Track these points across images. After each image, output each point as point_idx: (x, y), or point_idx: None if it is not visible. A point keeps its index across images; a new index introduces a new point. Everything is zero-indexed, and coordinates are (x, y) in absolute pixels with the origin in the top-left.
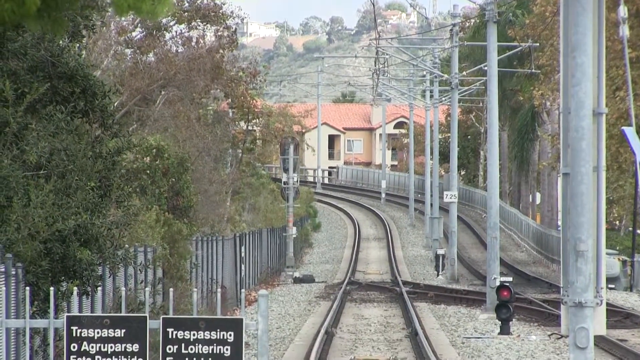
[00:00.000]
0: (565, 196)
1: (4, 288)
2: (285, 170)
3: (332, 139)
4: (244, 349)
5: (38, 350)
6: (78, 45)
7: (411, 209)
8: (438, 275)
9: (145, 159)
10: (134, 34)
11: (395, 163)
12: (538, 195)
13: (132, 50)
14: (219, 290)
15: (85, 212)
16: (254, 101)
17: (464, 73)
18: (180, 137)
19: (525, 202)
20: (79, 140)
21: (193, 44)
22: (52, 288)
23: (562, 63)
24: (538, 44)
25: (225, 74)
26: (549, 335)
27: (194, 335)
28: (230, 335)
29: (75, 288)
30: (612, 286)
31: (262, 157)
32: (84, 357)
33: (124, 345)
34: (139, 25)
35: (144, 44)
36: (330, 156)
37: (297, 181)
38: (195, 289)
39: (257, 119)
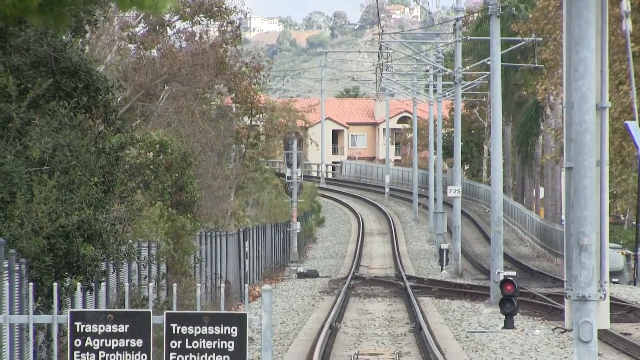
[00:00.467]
0: (569, 190)
1: (8, 284)
2: (289, 165)
3: (335, 134)
4: (247, 344)
5: (42, 346)
6: (81, 40)
7: (415, 204)
8: (442, 269)
9: (148, 154)
10: (137, 29)
11: (399, 158)
12: (542, 189)
13: (136, 45)
14: (222, 285)
15: (88, 208)
16: (258, 96)
17: (467, 68)
18: (184, 132)
19: (529, 197)
20: (82, 136)
21: (196, 39)
22: (55, 284)
23: (565, 57)
24: (541, 39)
25: (229, 69)
26: (553, 330)
27: (197, 330)
28: (234, 330)
29: (78, 284)
30: (616, 280)
31: (266, 152)
32: (87, 353)
33: (127, 340)
34: (143, 20)
35: (147, 40)
36: (334, 151)
37: (300, 176)
38: (199, 284)
39: (260, 114)
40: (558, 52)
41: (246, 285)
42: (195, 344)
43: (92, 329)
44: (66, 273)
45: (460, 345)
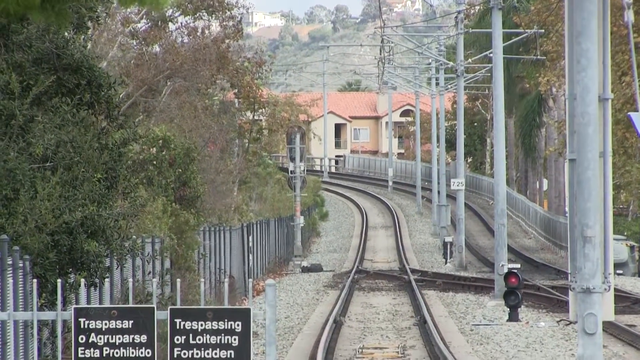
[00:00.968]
0: (572, 182)
1: (12, 281)
2: (292, 159)
3: (338, 128)
4: (252, 338)
5: (46, 343)
6: (83, 36)
7: (418, 197)
8: (446, 262)
9: (151, 149)
10: (139, 25)
11: (402, 151)
12: (545, 181)
13: (138, 41)
14: (226, 280)
15: (92, 204)
16: (260, 91)
17: (470, 60)
18: (187, 127)
19: (533, 189)
20: (85, 132)
21: (198, 34)
22: (59, 280)
23: (567, 49)
24: (543, 30)
25: (231, 64)
26: (558, 322)
27: (201, 325)
28: (238, 325)
29: (82, 280)
30: (620, 272)
31: (269, 146)
32: (91, 349)
33: (131, 336)
34: (144, 16)
35: (149, 35)
36: (337, 145)
37: (304, 170)
38: (203, 280)
39: (263, 108)
40: (560, 44)
41: (250, 280)
42: (199, 339)
43: (96, 325)
44: (70, 269)
45: (464, 338)
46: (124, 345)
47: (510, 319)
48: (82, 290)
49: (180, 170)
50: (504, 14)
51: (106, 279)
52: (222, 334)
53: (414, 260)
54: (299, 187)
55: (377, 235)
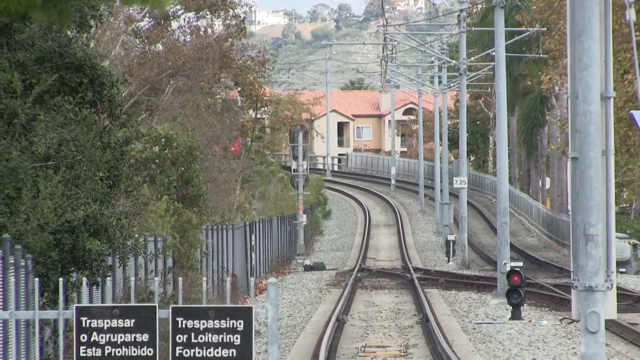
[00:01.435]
0: (574, 180)
1: (14, 279)
2: (295, 157)
3: (341, 126)
4: (254, 337)
5: (48, 341)
6: (86, 35)
7: (421, 195)
8: (449, 261)
9: (154, 148)
10: (142, 23)
11: (405, 149)
12: (548, 179)
13: (141, 40)
14: (228, 279)
15: (94, 203)
16: (263, 89)
17: (472, 59)
18: (189, 125)
19: (535, 187)
20: (87, 131)
21: (201, 32)
22: (61, 279)
23: (569, 47)
24: (545, 29)
25: (234, 63)
26: (560, 320)
27: (203, 324)
28: (240, 323)
29: (85, 278)
30: (623, 270)
31: (272, 145)
32: (93, 348)
33: (133, 335)
34: (147, 15)
35: (152, 34)
36: (340, 143)
37: (306, 169)
38: (205, 278)
39: (266, 107)
40: (562, 42)
41: (252, 278)
42: (201, 338)
43: (98, 324)
44: (72, 268)
45: (467, 337)
46: (125, 344)
47: (512, 318)
48: (84, 289)
49: (183, 168)
50: (507, 12)
51: (108, 278)
52: (224, 333)
53: (417, 259)
54: (301, 186)
55: (379, 233)
